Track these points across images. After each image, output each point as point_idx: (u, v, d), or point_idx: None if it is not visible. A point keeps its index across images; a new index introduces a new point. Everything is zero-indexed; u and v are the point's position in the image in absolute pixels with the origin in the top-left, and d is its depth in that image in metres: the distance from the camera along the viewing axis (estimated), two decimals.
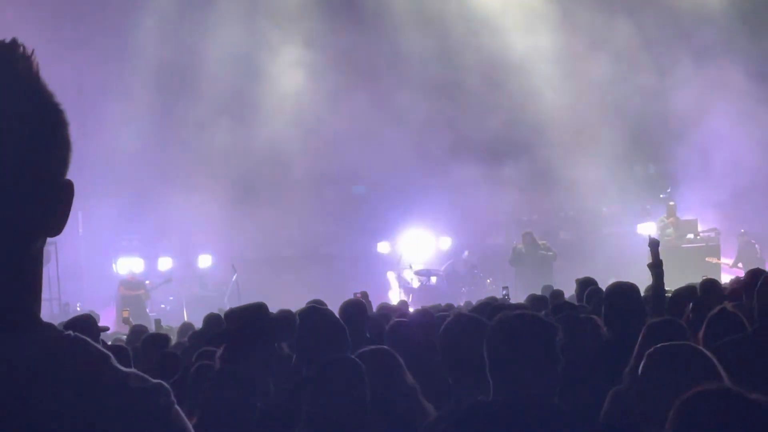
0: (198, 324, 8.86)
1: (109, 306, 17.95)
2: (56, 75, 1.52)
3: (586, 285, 8.19)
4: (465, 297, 16.70)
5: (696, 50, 19.17)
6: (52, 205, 1.30)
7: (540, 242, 17.96)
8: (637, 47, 19.90)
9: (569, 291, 9.95)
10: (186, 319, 14.43)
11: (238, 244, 20.26)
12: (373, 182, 21.30)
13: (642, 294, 5.99)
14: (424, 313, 7.03)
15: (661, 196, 20.52)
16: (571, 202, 21.62)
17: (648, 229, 18.15)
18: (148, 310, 17.62)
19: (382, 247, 21.21)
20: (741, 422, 2.37)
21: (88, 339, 1.28)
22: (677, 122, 19.70)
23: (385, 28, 20.56)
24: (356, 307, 6.19)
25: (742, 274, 13.27)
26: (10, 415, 1.18)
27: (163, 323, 12.44)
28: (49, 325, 1.29)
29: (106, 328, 6.49)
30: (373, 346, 4.54)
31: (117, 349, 5.76)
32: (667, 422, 2.46)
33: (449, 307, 9.97)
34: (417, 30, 20.54)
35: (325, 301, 6.51)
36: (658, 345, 3.45)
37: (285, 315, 5.45)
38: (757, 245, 18.69)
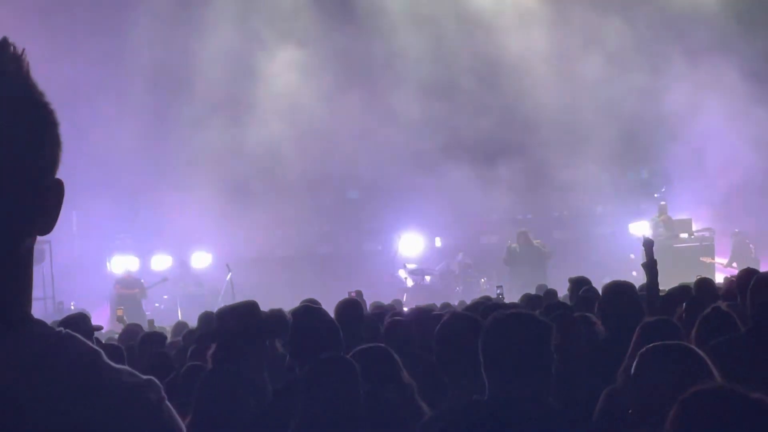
0: (192, 323, 8.85)
1: (103, 305, 17.90)
2: (50, 75, 1.51)
3: (580, 284, 8.19)
4: (459, 296, 16.70)
5: (689, 50, 19.18)
6: (42, 205, 1.30)
7: (535, 241, 17.98)
8: (631, 47, 19.91)
9: (563, 290, 9.95)
10: (180, 318, 14.41)
11: (232, 243, 20.25)
12: (367, 182, 21.29)
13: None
14: (421, 312, 7.02)
15: (655, 195, 20.54)
16: (565, 202, 21.65)
17: (640, 228, 18.16)
18: (143, 309, 17.59)
19: (377, 247, 21.21)
20: (742, 421, 2.37)
21: (79, 336, 1.28)
22: (671, 122, 19.72)
23: (380, 29, 20.55)
24: (353, 307, 6.20)
25: (736, 273, 13.27)
26: (3, 411, 1.17)
27: (157, 323, 12.42)
28: (41, 323, 1.29)
29: (100, 327, 6.48)
30: (370, 344, 4.54)
31: (110, 348, 5.74)
32: (668, 421, 2.46)
33: (446, 306, 9.95)
34: (411, 30, 20.53)
35: (320, 301, 6.51)
36: (651, 344, 3.45)
37: (275, 313, 5.45)
38: (751, 245, 18.70)
